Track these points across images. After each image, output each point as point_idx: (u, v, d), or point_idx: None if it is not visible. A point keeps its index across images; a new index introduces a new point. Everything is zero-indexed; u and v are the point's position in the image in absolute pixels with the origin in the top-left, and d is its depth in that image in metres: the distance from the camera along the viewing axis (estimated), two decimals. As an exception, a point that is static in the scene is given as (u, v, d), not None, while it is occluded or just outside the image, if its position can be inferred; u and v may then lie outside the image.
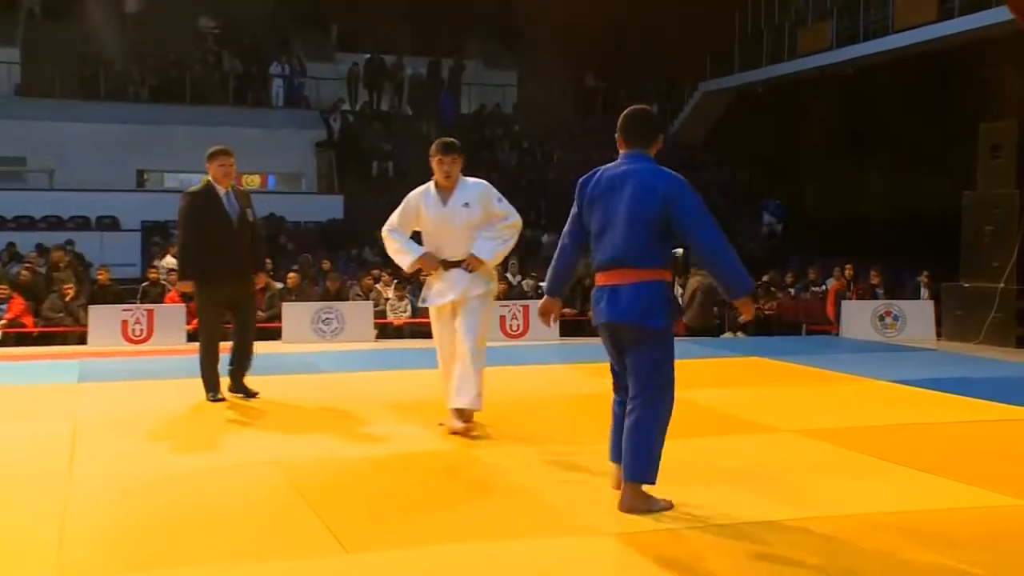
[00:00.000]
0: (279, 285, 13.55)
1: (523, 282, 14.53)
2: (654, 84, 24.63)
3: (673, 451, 5.29)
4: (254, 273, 7.40)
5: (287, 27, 23.46)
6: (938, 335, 12.46)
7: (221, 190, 7.13)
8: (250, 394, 7.21)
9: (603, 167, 4.40)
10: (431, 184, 5.99)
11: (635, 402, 4.24)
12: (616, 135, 4.41)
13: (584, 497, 4.51)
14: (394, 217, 6.08)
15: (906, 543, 3.92)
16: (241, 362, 7.29)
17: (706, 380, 5.83)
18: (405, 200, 6.06)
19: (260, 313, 12.67)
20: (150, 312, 12.09)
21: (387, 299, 13.52)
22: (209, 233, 7.04)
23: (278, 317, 12.57)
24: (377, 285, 13.81)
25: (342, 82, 22.82)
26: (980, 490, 4.65)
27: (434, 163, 5.93)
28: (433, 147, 5.96)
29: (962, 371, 9.09)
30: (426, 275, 6.04)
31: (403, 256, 6.01)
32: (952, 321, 12.23)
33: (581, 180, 4.40)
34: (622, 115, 4.40)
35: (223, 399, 7.07)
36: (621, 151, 4.38)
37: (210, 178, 7.16)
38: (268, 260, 14.34)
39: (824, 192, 20.86)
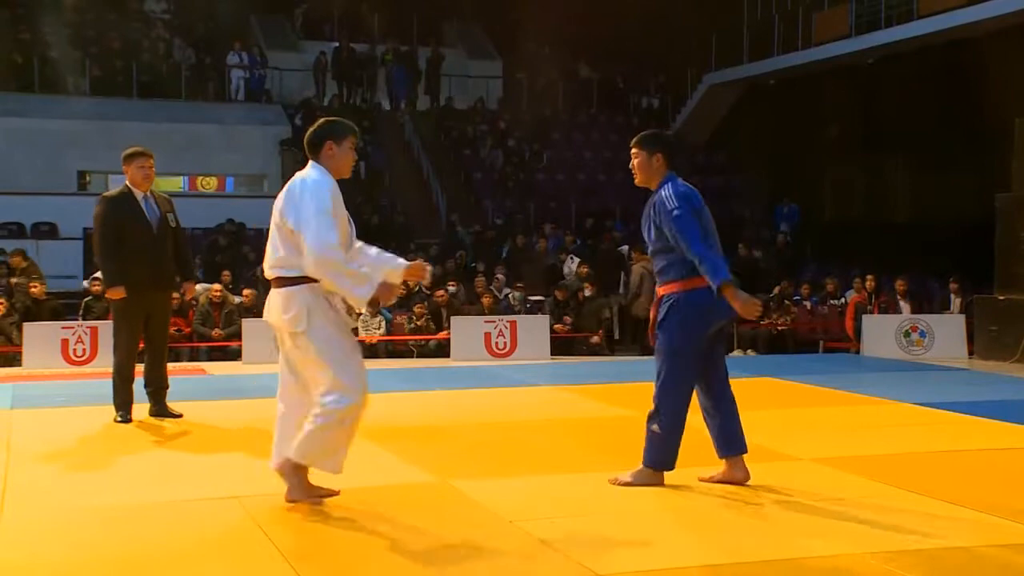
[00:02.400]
0: (238, 299, 13.54)
1: (510, 295, 14.56)
2: (655, 75, 24.75)
3: (680, 481, 5.33)
4: (181, 282, 7.70)
5: (245, 12, 23.47)
6: (970, 353, 12.53)
7: (139, 194, 7.37)
8: (175, 416, 7.45)
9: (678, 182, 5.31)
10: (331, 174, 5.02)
11: (729, 388, 5.40)
12: (661, 155, 5.32)
13: (580, 533, 4.52)
14: (334, 223, 4.85)
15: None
16: (160, 382, 7.52)
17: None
18: (331, 191, 4.91)
19: (218, 331, 12.74)
20: (93, 330, 12.06)
21: (359, 315, 13.52)
22: (127, 240, 7.27)
23: (238, 335, 12.57)
24: (347, 299, 13.81)
25: (308, 74, 22.85)
26: (1015, 525, 4.68)
27: (346, 147, 5.04)
28: (347, 126, 5.10)
29: (997, 393, 9.16)
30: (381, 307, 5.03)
31: (361, 285, 4.82)
32: (985, 338, 12.29)
33: (694, 192, 5.26)
34: (667, 138, 5.53)
35: (132, 421, 7.29)
36: (668, 169, 5.33)
37: (127, 182, 7.34)
38: (227, 273, 14.45)
39: (842, 195, 20.96)
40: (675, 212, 5.10)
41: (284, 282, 4.94)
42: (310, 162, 5.06)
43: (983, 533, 4.57)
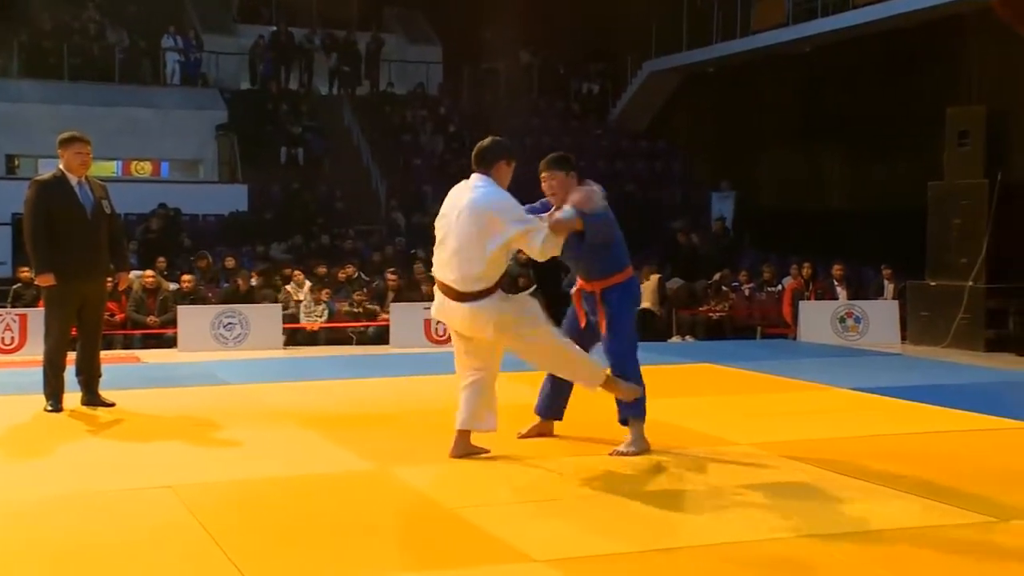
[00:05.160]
0: (173, 286, 13.37)
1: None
2: (595, 62, 24.81)
3: (619, 467, 5.36)
4: (115, 271, 7.58)
5: (181, -6, 23.13)
6: (903, 338, 12.74)
7: (73, 179, 7.25)
8: (107, 405, 7.33)
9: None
10: None
11: None
12: (574, 172, 5.82)
13: (520, 520, 4.53)
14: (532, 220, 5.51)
15: (871, 565, 4.01)
16: (92, 370, 7.41)
17: (652, 390, 5.92)
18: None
19: (154, 318, 12.55)
20: (23, 317, 11.83)
21: (298, 301, 13.41)
22: (60, 225, 7.13)
23: (173, 322, 12.41)
24: (287, 286, 13.69)
25: (244, 58, 22.57)
26: (947, 507, 4.78)
27: (512, 169, 5.65)
28: (514, 151, 5.68)
29: (928, 378, 9.33)
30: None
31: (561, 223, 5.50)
32: (918, 323, 12.51)
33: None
34: (570, 156, 5.94)
35: (63, 410, 7.17)
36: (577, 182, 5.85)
37: (62, 166, 7.21)
38: (162, 259, 14.25)
39: (780, 182, 21.17)
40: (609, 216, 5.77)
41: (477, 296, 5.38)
42: (480, 175, 5.50)
43: (918, 515, 4.65)
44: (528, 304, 5.59)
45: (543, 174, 5.88)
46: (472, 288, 5.38)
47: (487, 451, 5.70)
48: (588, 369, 5.66)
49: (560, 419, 6.25)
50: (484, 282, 5.39)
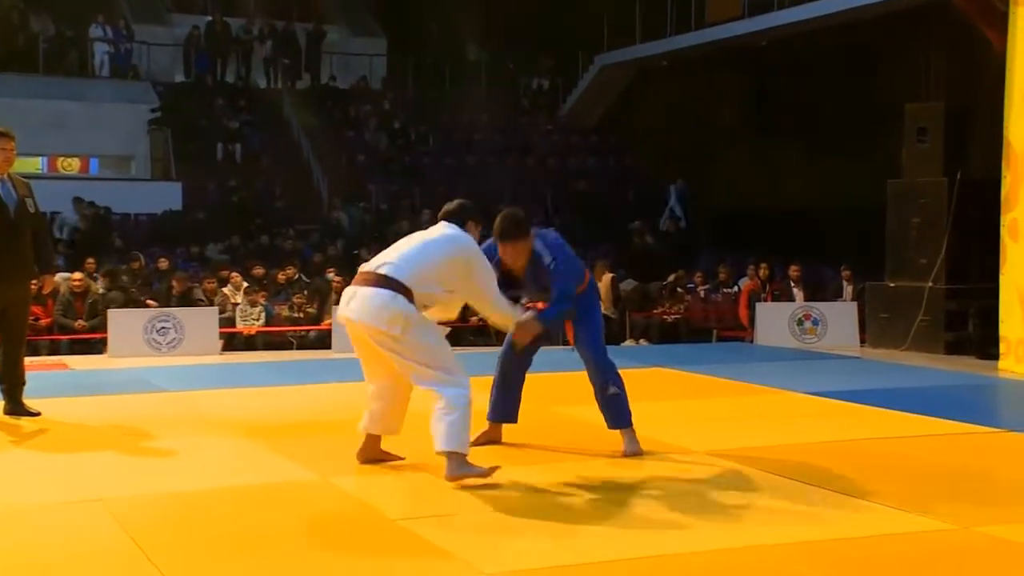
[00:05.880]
0: (101, 289, 13.19)
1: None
2: (545, 56, 24.88)
3: (566, 477, 5.38)
4: (39, 274, 7.46)
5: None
6: (862, 341, 12.88)
7: None
8: (32, 414, 7.20)
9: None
10: None
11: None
12: (531, 233, 5.77)
13: (466, 531, 4.53)
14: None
15: (827, 573, 4.05)
16: (16, 378, 7.28)
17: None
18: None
19: (82, 322, 12.37)
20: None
21: (235, 304, 13.30)
22: None
23: (103, 327, 12.25)
24: (224, 289, 13.57)
25: (178, 49, 22.35)
26: (907, 514, 4.84)
27: (478, 231, 5.67)
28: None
29: (886, 381, 9.44)
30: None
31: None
32: (877, 325, 12.64)
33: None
34: (523, 216, 5.84)
35: None
36: None
37: None
38: (91, 260, 14.06)
39: (735, 179, 21.36)
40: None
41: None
42: (454, 225, 5.44)
43: (875, 522, 4.70)
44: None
45: (499, 245, 5.76)
46: (404, 280, 5.16)
47: (402, 457, 5.71)
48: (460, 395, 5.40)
49: (514, 421, 6.26)
50: (423, 286, 5.20)
